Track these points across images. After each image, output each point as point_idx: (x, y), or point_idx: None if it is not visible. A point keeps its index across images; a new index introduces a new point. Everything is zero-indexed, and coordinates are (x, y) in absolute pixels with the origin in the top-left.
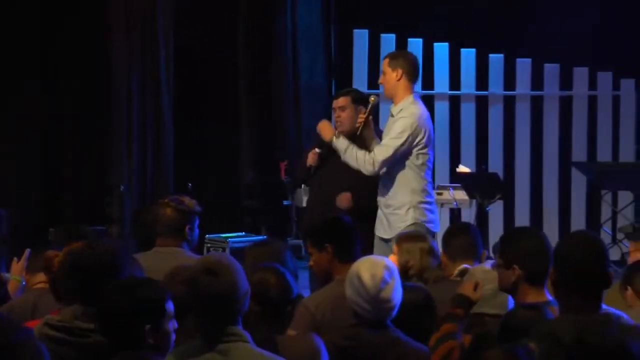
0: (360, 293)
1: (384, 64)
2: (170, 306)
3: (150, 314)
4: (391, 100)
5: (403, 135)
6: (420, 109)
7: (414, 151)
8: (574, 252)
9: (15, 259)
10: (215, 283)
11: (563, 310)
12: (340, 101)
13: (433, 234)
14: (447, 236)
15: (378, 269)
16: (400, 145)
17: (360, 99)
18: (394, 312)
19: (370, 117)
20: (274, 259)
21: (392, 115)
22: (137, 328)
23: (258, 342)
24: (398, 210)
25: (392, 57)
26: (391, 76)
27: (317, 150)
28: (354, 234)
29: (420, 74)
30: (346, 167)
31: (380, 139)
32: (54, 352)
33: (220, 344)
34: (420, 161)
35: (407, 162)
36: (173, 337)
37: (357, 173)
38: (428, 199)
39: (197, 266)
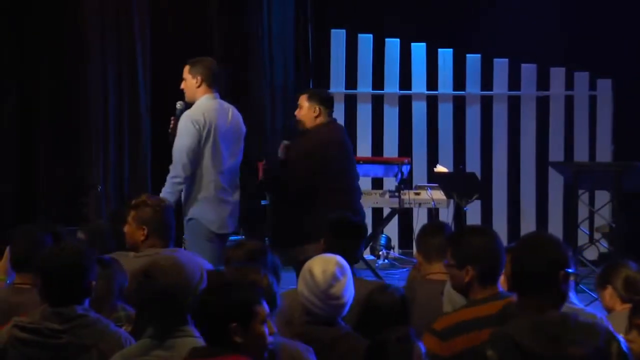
0: (311, 288)
1: (185, 71)
2: (264, 308)
3: (239, 315)
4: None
5: (183, 135)
6: (206, 104)
7: (203, 145)
8: (526, 253)
9: None
10: (153, 285)
11: (519, 310)
12: (299, 99)
13: None
14: (422, 236)
15: (329, 265)
16: (186, 145)
17: (316, 98)
18: (345, 310)
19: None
20: (255, 259)
21: None
22: (224, 328)
23: None
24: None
25: (192, 64)
26: (191, 82)
27: (285, 142)
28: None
29: (217, 78)
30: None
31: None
32: (23, 354)
33: (167, 340)
34: (207, 155)
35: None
36: (269, 339)
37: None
38: (209, 195)
39: (140, 268)
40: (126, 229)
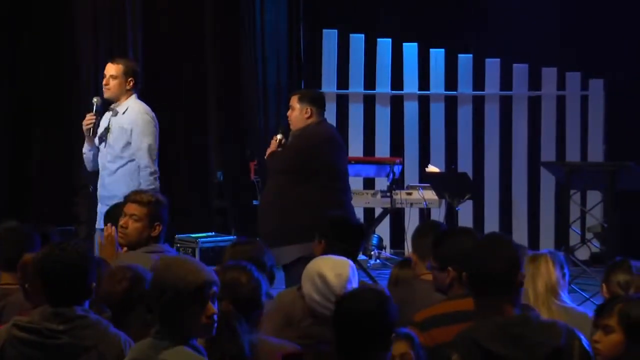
0: (324, 293)
1: (117, 71)
2: None
3: None
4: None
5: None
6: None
7: None
8: (480, 254)
9: None
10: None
11: (478, 312)
12: (290, 100)
13: None
14: (416, 235)
15: (344, 269)
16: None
17: (307, 99)
18: None
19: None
20: (253, 258)
21: (121, 114)
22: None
23: (225, 342)
24: None
25: (124, 64)
26: (121, 81)
27: (278, 137)
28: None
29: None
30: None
31: None
32: (22, 353)
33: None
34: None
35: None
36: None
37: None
38: None
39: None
40: (135, 225)
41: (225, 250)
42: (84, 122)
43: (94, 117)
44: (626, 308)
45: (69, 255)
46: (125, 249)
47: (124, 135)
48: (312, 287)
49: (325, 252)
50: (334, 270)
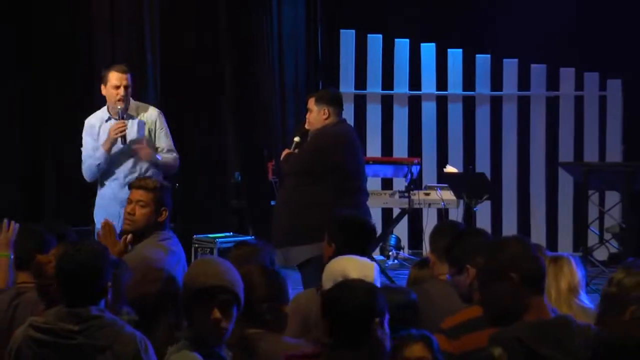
0: None
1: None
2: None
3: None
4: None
5: None
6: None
7: None
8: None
9: None
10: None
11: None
12: (308, 102)
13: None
14: (434, 235)
15: (369, 270)
16: None
17: (324, 100)
18: None
19: None
20: (253, 259)
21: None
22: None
23: (235, 340)
24: None
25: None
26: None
27: (295, 139)
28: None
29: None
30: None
31: None
32: (37, 354)
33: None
34: None
35: None
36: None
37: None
38: None
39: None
40: (143, 211)
41: (229, 251)
42: (115, 130)
43: (125, 124)
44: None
45: (84, 255)
46: (130, 236)
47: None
48: None
49: (336, 255)
50: (359, 272)
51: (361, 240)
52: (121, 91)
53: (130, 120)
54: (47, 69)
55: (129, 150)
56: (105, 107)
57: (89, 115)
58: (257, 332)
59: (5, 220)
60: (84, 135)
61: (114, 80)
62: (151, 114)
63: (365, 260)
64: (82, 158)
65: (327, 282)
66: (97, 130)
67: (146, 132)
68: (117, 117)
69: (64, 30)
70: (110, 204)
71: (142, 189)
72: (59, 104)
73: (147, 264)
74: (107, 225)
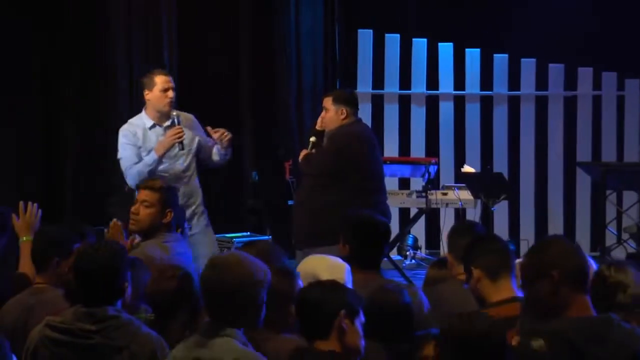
0: None
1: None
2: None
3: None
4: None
5: None
6: None
7: None
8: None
9: (14, 216)
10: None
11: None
12: (324, 102)
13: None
14: (453, 235)
15: (340, 273)
16: None
17: (341, 99)
18: None
19: None
20: (262, 259)
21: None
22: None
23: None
24: None
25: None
26: None
27: (311, 139)
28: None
29: None
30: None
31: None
32: (53, 353)
33: (211, 339)
34: None
35: None
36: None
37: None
38: None
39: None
40: (148, 211)
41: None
42: (173, 136)
43: (182, 129)
44: None
45: (102, 255)
46: (134, 237)
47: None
48: None
49: (350, 255)
50: (329, 274)
51: (376, 240)
52: (170, 94)
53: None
54: (64, 66)
55: (177, 155)
56: (143, 114)
57: (107, 112)
58: (264, 333)
59: (21, 204)
60: (123, 143)
61: (162, 84)
62: (189, 118)
63: (336, 261)
64: (125, 165)
65: (302, 281)
66: (140, 137)
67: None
68: (169, 124)
69: (80, 27)
70: None
71: (148, 189)
72: (78, 103)
73: (152, 262)
74: (115, 225)
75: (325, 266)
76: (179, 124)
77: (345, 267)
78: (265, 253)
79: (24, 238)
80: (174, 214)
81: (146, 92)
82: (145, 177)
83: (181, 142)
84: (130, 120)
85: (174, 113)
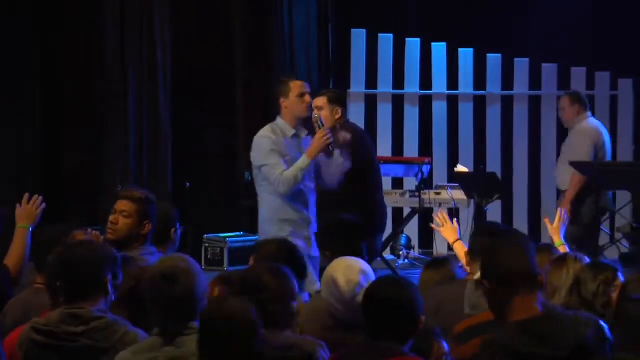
0: (337, 297)
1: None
2: None
3: None
4: None
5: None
6: None
7: None
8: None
9: (17, 205)
10: (174, 288)
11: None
12: (317, 101)
13: None
14: (473, 236)
15: (353, 274)
16: None
17: (336, 100)
18: None
19: None
20: (282, 257)
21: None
22: None
23: None
24: None
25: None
26: None
27: (316, 115)
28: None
29: None
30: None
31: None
32: (38, 356)
33: (178, 338)
34: None
35: None
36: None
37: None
38: None
39: (155, 271)
40: (126, 222)
41: (256, 247)
42: (323, 139)
43: (329, 132)
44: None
45: (84, 248)
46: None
47: None
48: (327, 290)
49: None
50: (344, 275)
51: (351, 241)
52: (307, 98)
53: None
54: (64, 66)
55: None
56: (280, 121)
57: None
58: (268, 332)
59: (26, 195)
60: (268, 152)
61: (298, 89)
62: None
63: (352, 262)
64: (273, 172)
65: (324, 287)
66: (283, 146)
67: None
68: (316, 127)
69: (73, 26)
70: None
71: (127, 200)
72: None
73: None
74: (94, 236)
75: (343, 268)
76: (322, 126)
77: (358, 266)
78: (284, 251)
79: (21, 224)
80: (151, 226)
81: (282, 99)
82: (299, 182)
83: (330, 145)
84: (270, 127)
85: (316, 115)
